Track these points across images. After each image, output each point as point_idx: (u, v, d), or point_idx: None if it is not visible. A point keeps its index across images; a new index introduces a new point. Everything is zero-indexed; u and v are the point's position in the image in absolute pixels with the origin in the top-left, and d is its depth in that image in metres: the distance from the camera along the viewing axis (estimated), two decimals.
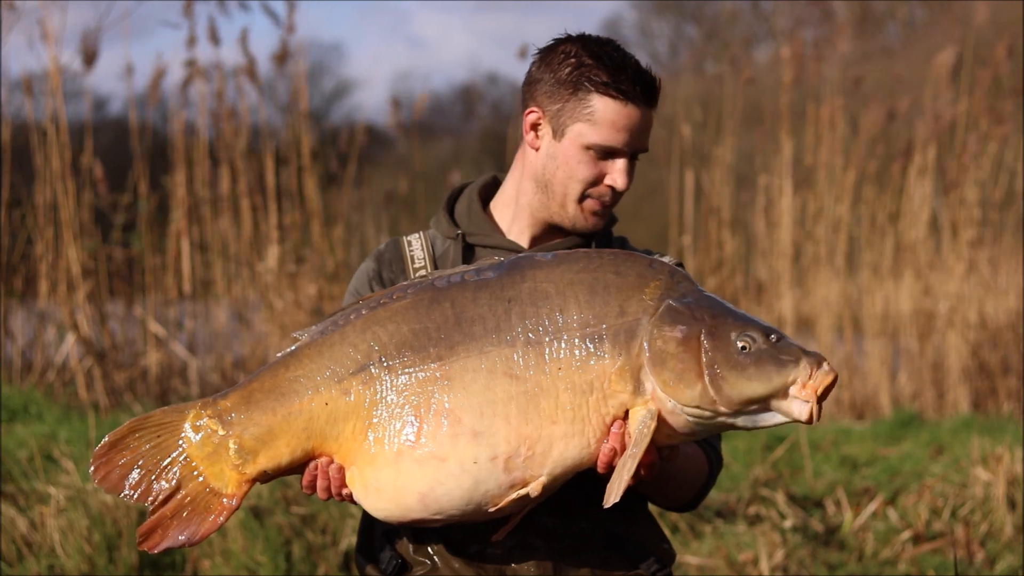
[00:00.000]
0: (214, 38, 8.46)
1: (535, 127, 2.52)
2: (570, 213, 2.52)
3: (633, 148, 2.49)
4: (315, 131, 8.77)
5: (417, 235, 2.64)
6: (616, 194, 2.52)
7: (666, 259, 2.58)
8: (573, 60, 2.47)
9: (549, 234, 2.58)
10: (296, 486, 2.32)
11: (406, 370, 2.22)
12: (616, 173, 2.49)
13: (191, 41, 8.44)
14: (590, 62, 2.46)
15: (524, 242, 2.58)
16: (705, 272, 9.09)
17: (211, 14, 8.69)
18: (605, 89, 2.44)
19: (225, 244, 8.55)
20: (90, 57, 8.10)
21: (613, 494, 2.16)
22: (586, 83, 2.45)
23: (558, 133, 2.49)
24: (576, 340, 2.18)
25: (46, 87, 7.94)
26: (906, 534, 5.64)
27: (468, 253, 2.59)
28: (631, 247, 2.65)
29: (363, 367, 2.24)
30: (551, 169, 2.50)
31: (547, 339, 2.19)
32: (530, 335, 2.19)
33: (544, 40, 2.57)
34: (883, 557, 5.57)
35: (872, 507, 5.84)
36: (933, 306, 8.96)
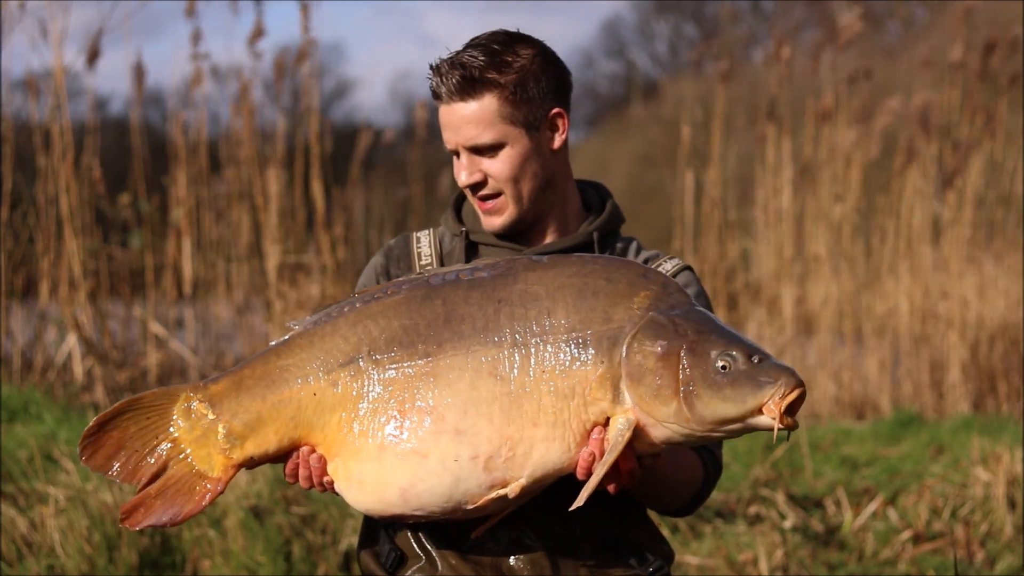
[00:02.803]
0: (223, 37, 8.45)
1: None
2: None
3: (460, 144, 2.48)
4: (317, 131, 8.76)
5: (427, 231, 2.65)
6: (492, 193, 2.49)
7: (674, 261, 2.57)
8: None
9: (538, 232, 2.56)
10: (297, 486, 2.34)
11: (393, 365, 2.23)
12: (457, 171, 2.51)
13: (196, 38, 8.45)
14: None
15: (519, 240, 2.56)
16: (705, 273, 9.08)
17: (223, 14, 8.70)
18: (434, 97, 2.49)
19: (226, 244, 8.55)
20: (92, 56, 8.11)
21: (580, 499, 2.16)
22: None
23: None
24: (561, 344, 2.18)
25: (48, 87, 7.95)
26: (906, 534, 5.64)
27: (472, 251, 2.59)
28: (639, 247, 2.63)
29: (352, 360, 2.25)
30: None
31: (533, 341, 2.19)
32: (517, 336, 2.20)
33: (549, 40, 2.59)
34: (883, 557, 5.57)
35: (872, 507, 5.83)
36: (933, 306, 8.96)
